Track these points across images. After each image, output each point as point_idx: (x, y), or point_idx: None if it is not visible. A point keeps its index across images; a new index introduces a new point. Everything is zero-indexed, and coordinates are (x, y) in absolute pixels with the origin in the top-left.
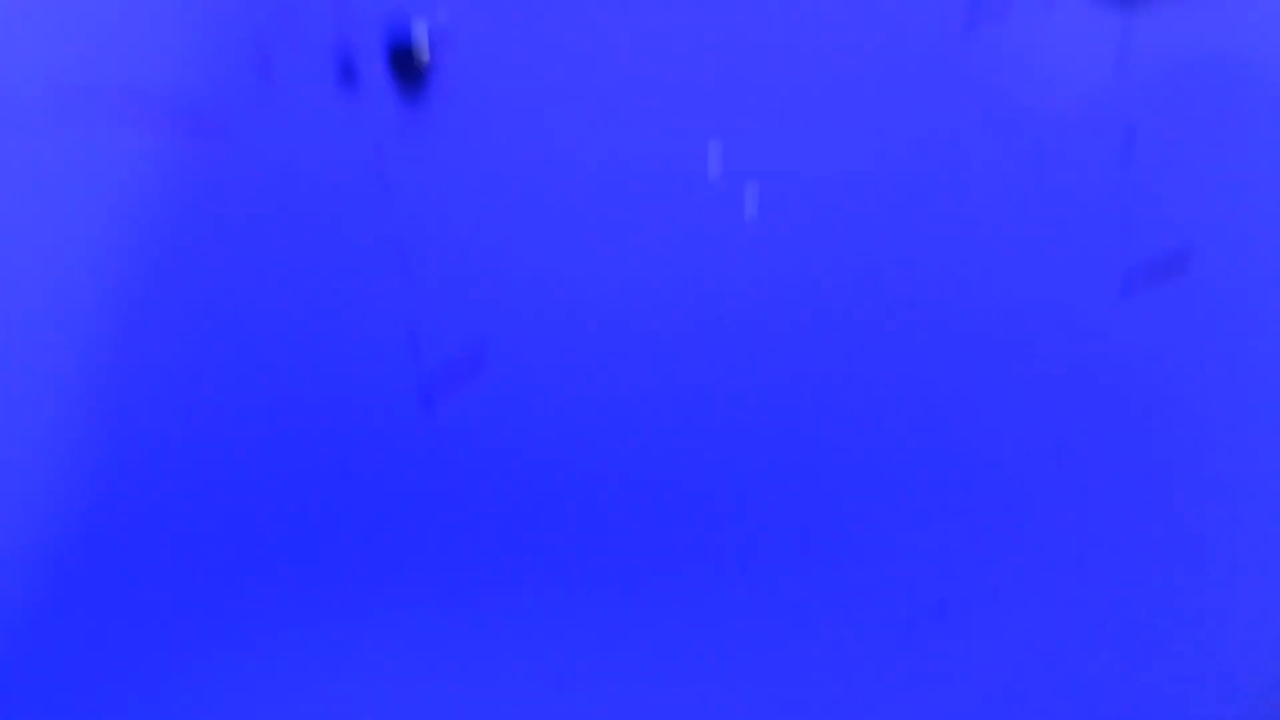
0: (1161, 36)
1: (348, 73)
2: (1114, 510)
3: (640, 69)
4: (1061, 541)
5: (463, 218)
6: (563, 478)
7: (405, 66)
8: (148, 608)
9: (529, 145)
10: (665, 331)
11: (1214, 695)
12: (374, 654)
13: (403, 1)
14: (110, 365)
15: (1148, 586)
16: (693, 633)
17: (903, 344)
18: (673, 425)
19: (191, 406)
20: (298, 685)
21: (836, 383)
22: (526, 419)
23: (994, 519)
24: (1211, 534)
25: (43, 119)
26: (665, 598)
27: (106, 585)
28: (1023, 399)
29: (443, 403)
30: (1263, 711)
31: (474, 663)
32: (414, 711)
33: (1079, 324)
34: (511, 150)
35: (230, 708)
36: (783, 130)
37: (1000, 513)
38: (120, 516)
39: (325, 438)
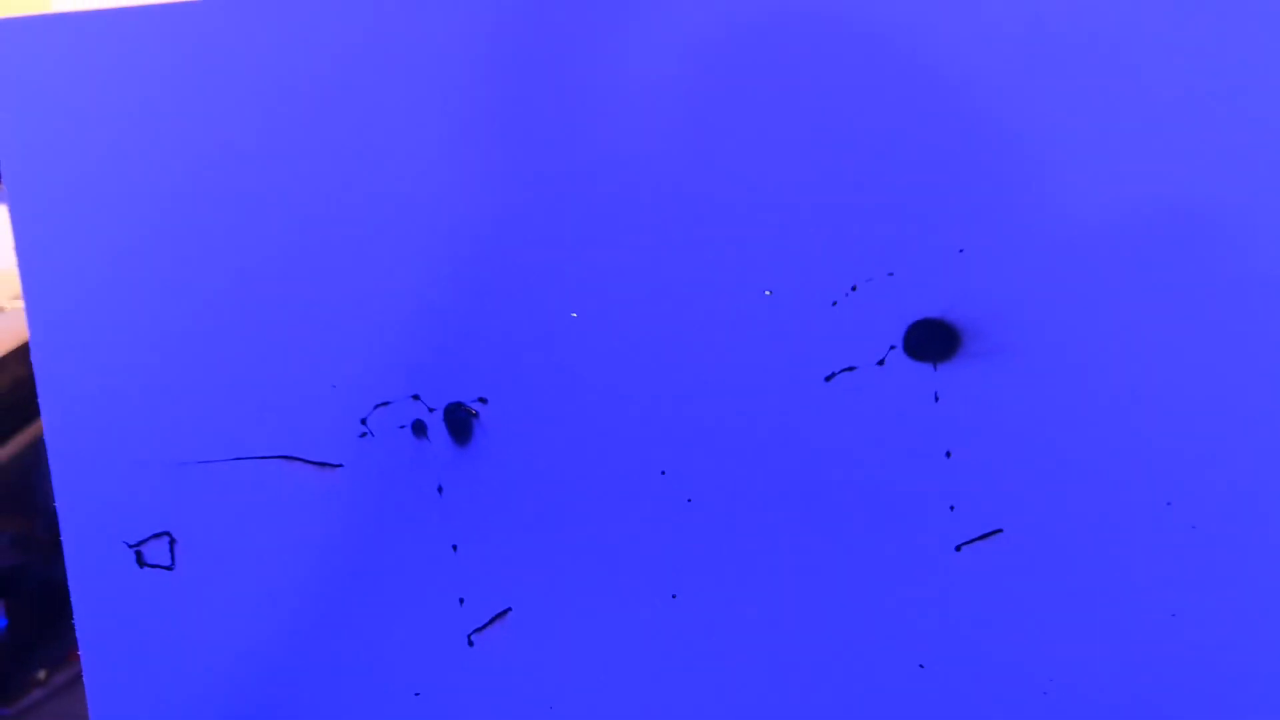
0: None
1: (419, 429)
2: None
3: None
4: None
5: (496, 521)
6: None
7: (457, 426)
8: None
9: (542, 476)
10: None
11: None
12: None
13: (457, 383)
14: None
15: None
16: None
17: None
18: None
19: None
20: None
21: None
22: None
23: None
24: None
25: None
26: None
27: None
28: None
29: (478, 639)
30: None
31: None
32: None
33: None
34: (529, 477)
35: None
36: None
37: None
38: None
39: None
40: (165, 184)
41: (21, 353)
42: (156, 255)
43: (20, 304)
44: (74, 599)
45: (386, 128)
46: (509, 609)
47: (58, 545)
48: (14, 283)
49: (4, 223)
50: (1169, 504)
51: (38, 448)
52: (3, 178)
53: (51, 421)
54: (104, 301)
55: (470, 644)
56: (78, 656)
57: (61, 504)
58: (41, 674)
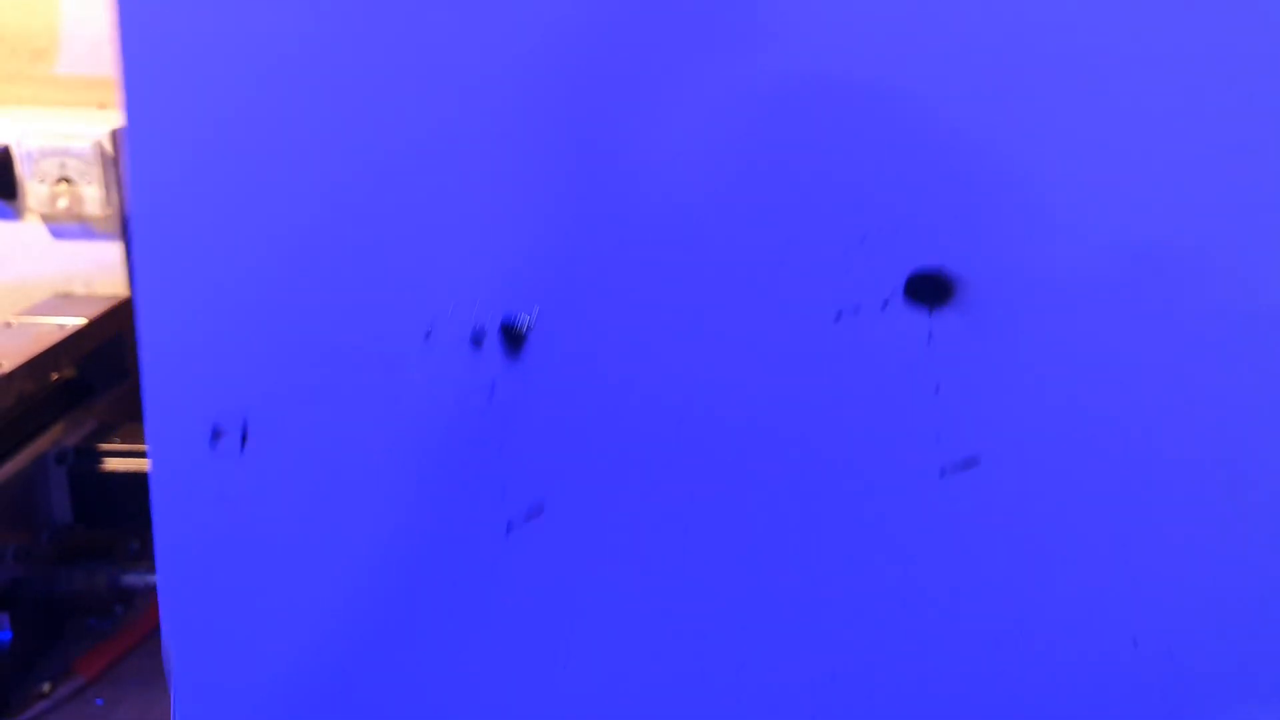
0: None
1: (477, 339)
2: None
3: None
4: None
5: (537, 425)
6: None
7: (511, 338)
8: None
9: (579, 389)
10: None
11: None
12: None
13: (513, 304)
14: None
15: None
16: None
17: None
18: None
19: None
20: None
21: None
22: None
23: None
24: None
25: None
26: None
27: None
28: None
29: (517, 529)
30: None
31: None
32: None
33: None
34: (568, 388)
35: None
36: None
37: None
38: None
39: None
40: (268, 91)
41: (28, 368)
42: (263, 152)
43: (27, 319)
44: (152, 475)
45: (479, 58)
46: (544, 503)
47: (61, 559)
48: (21, 297)
49: (14, 240)
50: (1130, 445)
51: (43, 462)
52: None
53: (146, 300)
54: (204, 194)
55: (508, 532)
56: (81, 669)
57: (148, 383)
58: (45, 687)
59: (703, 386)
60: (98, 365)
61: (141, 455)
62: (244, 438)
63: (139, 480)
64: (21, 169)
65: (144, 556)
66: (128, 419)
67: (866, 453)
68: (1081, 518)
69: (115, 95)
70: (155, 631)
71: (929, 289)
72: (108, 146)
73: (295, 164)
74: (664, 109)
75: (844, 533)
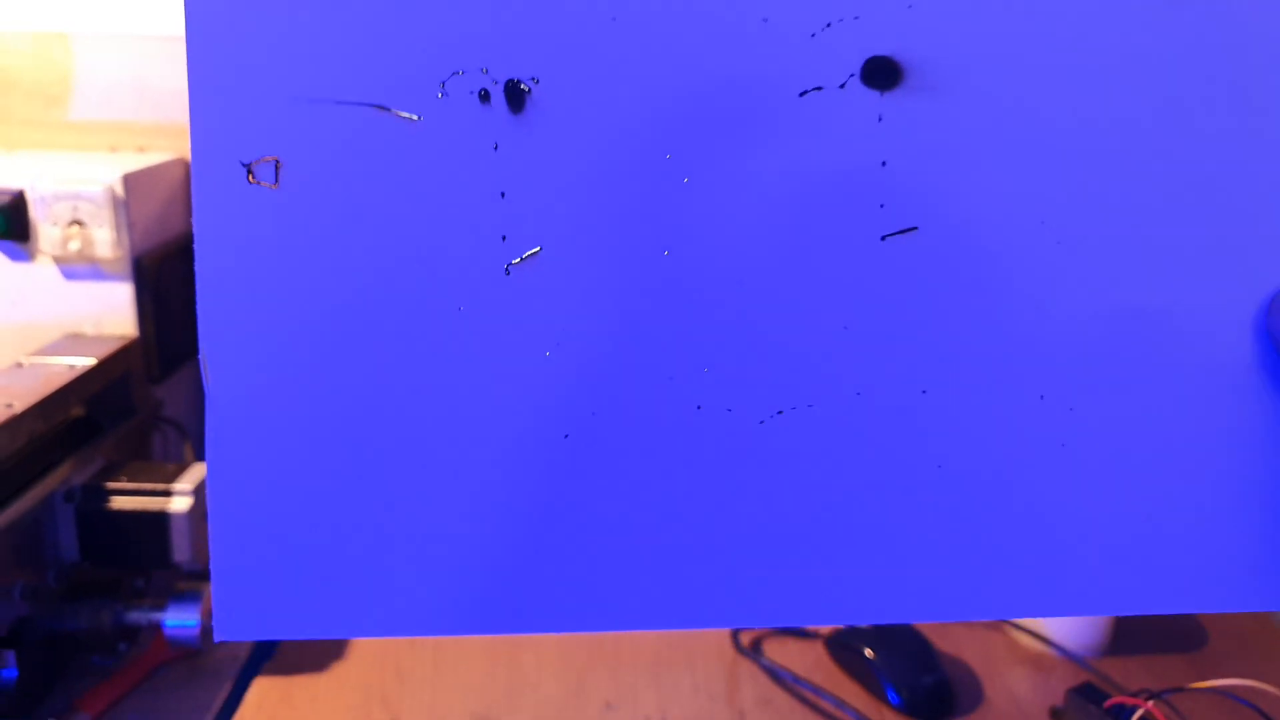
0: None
1: (484, 97)
2: None
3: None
4: None
5: (537, 176)
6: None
7: (514, 96)
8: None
9: (575, 145)
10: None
11: None
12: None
13: (518, 63)
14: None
15: None
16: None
17: None
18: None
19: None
20: None
21: None
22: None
23: None
24: None
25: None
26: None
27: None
28: None
29: (514, 270)
30: None
31: None
32: None
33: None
34: (565, 144)
35: None
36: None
37: None
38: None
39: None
40: None
41: (40, 409)
42: None
43: (39, 360)
44: (195, 208)
45: None
46: (540, 248)
47: (66, 597)
48: (32, 337)
49: (26, 281)
50: (1043, 223)
51: (51, 500)
52: None
53: (197, 49)
54: None
55: (507, 273)
56: (85, 706)
57: (195, 132)
58: None
59: (681, 148)
60: (105, 404)
61: (147, 494)
62: (277, 175)
63: (144, 518)
64: (35, 212)
65: (148, 594)
66: (134, 457)
67: (823, 214)
68: (1010, 278)
69: (126, 139)
70: (158, 669)
71: (882, 73)
72: (119, 190)
73: None
74: None
75: (792, 287)
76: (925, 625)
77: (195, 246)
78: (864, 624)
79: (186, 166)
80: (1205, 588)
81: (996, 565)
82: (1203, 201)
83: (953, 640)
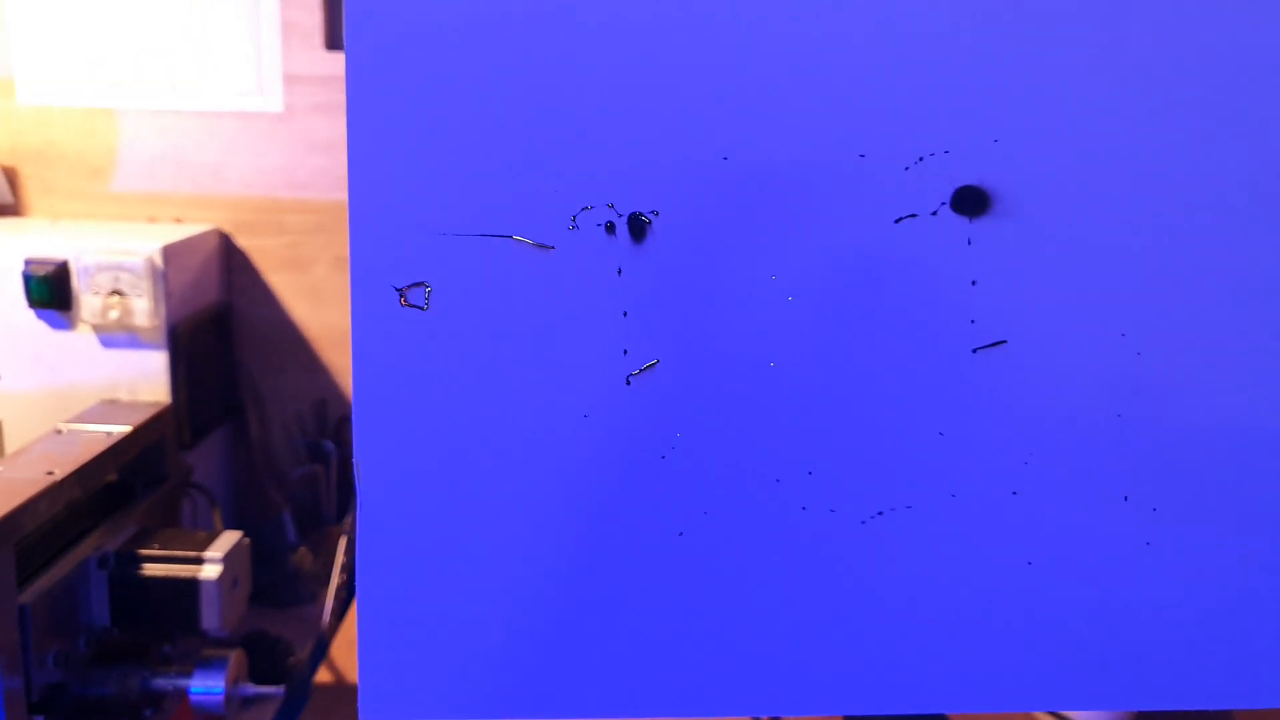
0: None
1: (610, 228)
2: None
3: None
4: None
5: (656, 297)
6: None
7: (637, 229)
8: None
9: (692, 269)
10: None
11: None
12: None
13: (640, 199)
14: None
15: None
16: None
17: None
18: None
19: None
20: None
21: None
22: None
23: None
24: None
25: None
26: None
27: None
28: None
29: (635, 381)
30: None
31: None
32: None
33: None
34: (683, 269)
35: None
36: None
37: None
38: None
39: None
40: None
41: (77, 475)
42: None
43: (77, 426)
44: (354, 327)
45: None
46: (658, 360)
47: (95, 662)
48: (70, 403)
49: (66, 348)
50: (1124, 334)
51: (85, 566)
52: None
53: (358, 188)
54: (421, 106)
55: (628, 384)
56: None
57: (355, 261)
58: None
59: (786, 270)
60: (139, 470)
61: (177, 561)
62: (426, 299)
63: (176, 585)
64: (77, 282)
65: (175, 660)
66: (163, 523)
67: (918, 329)
68: (1090, 389)
69: (164, 210)
70: None
71: (971, 201)
72: (158, 261)
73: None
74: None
75: (891, 397)
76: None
77: (353, 361)
78: (951, 710)
79: (221, 237)
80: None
81: (1084, 658)
82: (1277, 307)
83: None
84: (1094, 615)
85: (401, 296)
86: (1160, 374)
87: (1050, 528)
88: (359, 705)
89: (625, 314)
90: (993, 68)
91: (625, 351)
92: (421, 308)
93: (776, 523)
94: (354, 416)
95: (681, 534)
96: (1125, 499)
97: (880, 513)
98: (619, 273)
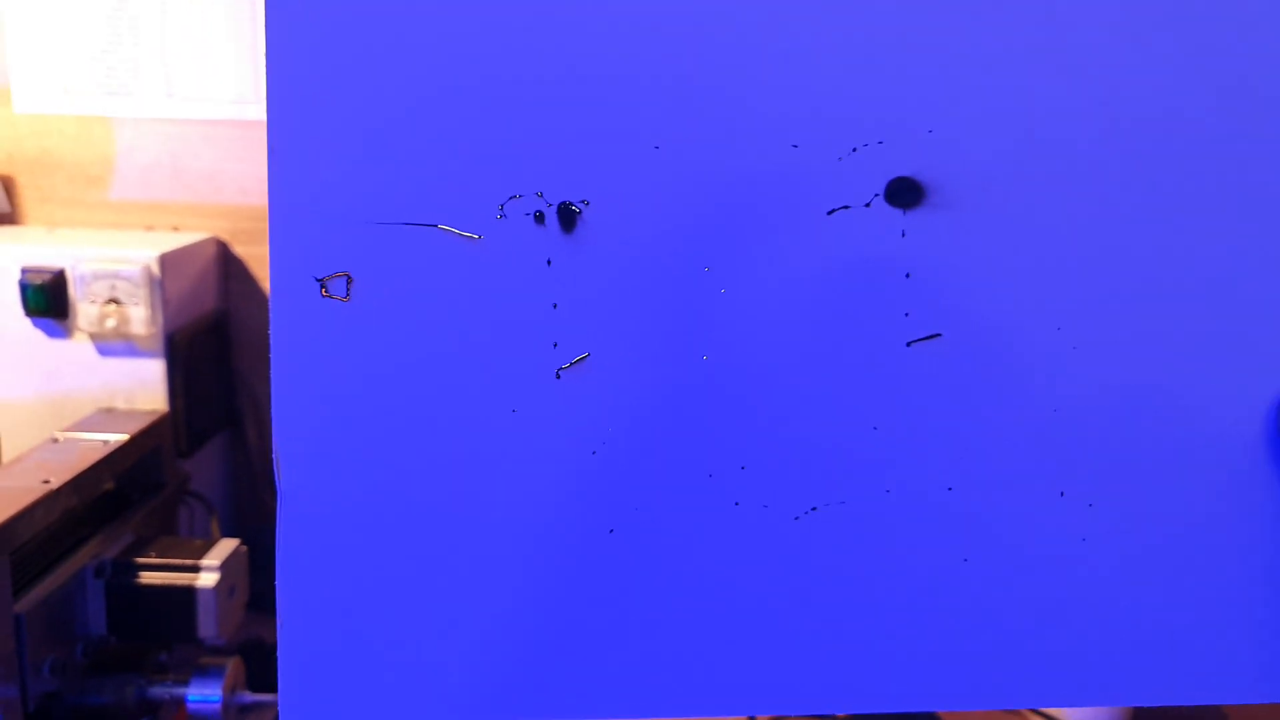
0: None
1: (539, 218)
2: None
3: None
4: None
5: (586, 288)
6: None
7: (566, 219)
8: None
9: (622, 259)
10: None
11: None
12: None
13: (570, 188)
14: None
15: None
16: None
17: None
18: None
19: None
20: None
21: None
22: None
23: None
24: None
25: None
26: None
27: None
28: None
29: (564, 375)
30: None
31: None
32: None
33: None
34: (613, 259)
35: None
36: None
37: None
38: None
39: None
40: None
41: (74, 484)
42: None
43: (73, 435)
44: (272, 319)
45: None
46: (589, 354)
47: (92, 671)
48: (67, 412)
49: (63, 357)
50: (1059, 328)
51: (82, 575)
52: None
53: (278, 175)
54: (343, 80)
55: (558, 377)
56: None
57: (274, 250)
58: None
59: (718, 262)
60: (136, 478)
61: (174, 569)
62: (348, 289)
63: (173, 594)
64: (74, 291)
65: (172, 668)
66: (161, 531)
67: (851, 323)
68: (1028, 380)
69: (161, 218)
70: None
71: (905, 193)
72: (155, 269)
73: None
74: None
75: (825, 391)
76: (947, 712)
77: (272, 354)
78: (889, 710)
79: (218, 245)
80: (1224, 678)
81: (1020, 655)
82: (1212, 302)
83: None
84: (1031, 612)
85: (323, 287)
86: (1096, 368)
87: (986, 523)
88: (279, 712)
89: (555, 306)
90: (928, 57)
91: (555, 344)
92: (343, 298)
93: (709, 519)
94: (273, 410)
95: (612, 530)
96: (1061, 494)
97: (814, 508)
98: (548, 264)
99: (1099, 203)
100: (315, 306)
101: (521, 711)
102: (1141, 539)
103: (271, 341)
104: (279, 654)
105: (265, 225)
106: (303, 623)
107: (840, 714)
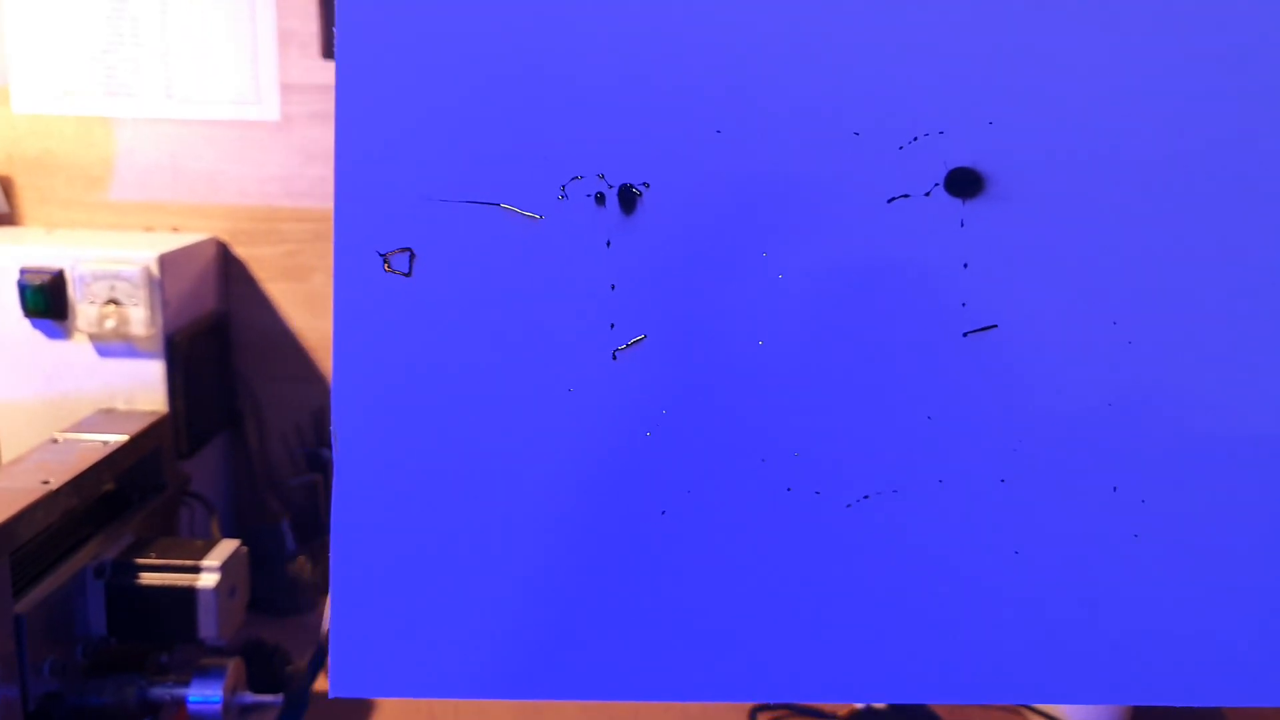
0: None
1: (599, 199)
2: None
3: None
4: None
5: (645, 270)
6: None
7: (627, 200)
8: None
9: (680, 242)
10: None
11: None
12: None
13: (631, 170)
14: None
15: None
16: None
17: None
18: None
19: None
20: None
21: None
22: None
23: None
24: None
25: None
26: None
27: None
28: None
29: (621, 355)
30: None
31: None
32: None
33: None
34: (671, 242)
35: None
36: None
37: None
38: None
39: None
40: None
41: (74, 485)
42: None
43: (73, 436)
44: (335, 292)
45: None
46: (645, 335)
47: (93, 671)
48: (67, 413)
49: (62, 358)
50: (1115, 322)
51: (81, 576)
52: None
53: (345, 150)
54: (412, 66)
55: (614, 358)
56: None
57: (339, 225)
58: None
59: (777, 247)
60: (136, 479)
61: (174, 570)
62: (410, 265)
63: (173, 594)
64: (73, 292)
65: (172, 669)
66: (161, 532)
67: (908, 311)
68: (1084, 375)
69: (161, 219)
70: None
71: (964, 183)
72: (154, 270)
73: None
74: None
75: (880, 379)
76: (944, 707)
77: (334, 326)
78: (932, 702)
79: (218, 246)
80: (1262, 681)
81: (1068, 650)
82: (1272, 298)
83: None
84: (1080, 607)
85: (385, 262)
86: (1152, 363)
87: (1038, 516)
88: (329, 678)
89: (613, 287)
90: (990, 49)
91: (612, 325)
92: (405, 274)
93: (761, 504)
94: (334, 381)
95: (664, 512)
96: (1114, 490)
97: (866, 496)
98: (608, 245)
99: (1158, 196)
100: (378, 281)
101: (564, 689)
102: (1194, 537)
103: (334, 314)
104: (330, 622)
105: (264, 226)
106: (355, 594)
107: (880, 704)
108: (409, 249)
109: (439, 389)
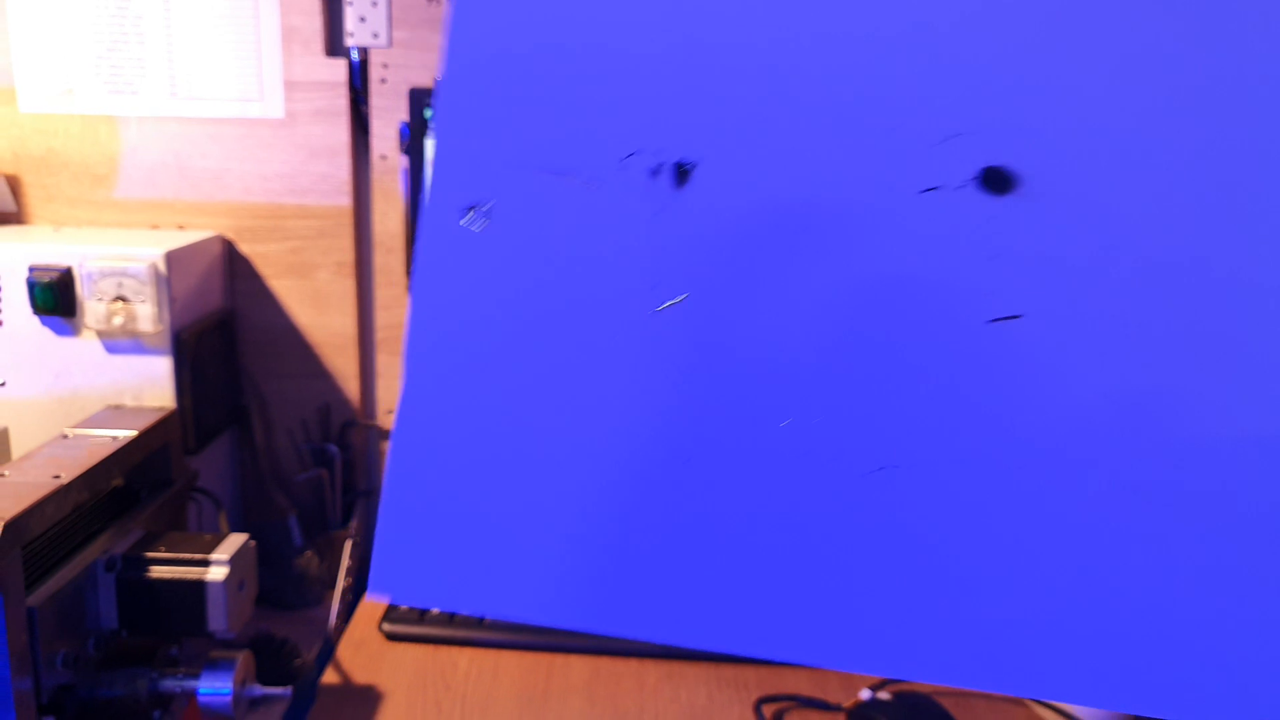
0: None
1: (655, 173)
2: None
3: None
4: None
5: (692, 237)
6: None
7: (680, 175)
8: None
9: (728, 213)
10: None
11: None
12: None
13: (685, 148)
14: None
15: None
16: None
17: None
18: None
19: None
20: None
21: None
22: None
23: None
24: None
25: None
26: None
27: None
28: None
29: (664, 312)
30: None
31: None
32: None
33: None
34: (720, 212)
35: None
36: None
37: None
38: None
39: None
40: None
41: (84, 479)
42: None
43: (83, 431)
44: (419, 239)
45: None
46: (687, 295)
47: (104, 665)
48: (76, 409)
49: (71, 355)
50: (1138, 320)
51: (92, 570)
52: None
53: (444, 114)
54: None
55: (657, 313)
56: None
57: (436, 176)
58: None
59: (814, 227)
60: (144, 474)
61: (183, 563)
62: (487, 216)
63: (183, 588)
64: (81, 289)
65: (182, 662)
66: (169, 527)
67: (937, 295)
68: (1108, 370)
69: (167, 216)
70: None
71: (996, 180)
72: (161, 267)
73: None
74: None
75: (911, 356)
76: (949, 699)
77: (415, 266)
78: (935, 683)
79: (224, 243)
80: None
81: (1077, 651)
82: None
83: (975, 715)
84: (1094, 607)
85: (465, 216)
86: (1175, 366)
87: (1053, 509)
88: (369, 578)
89: (661, 253)
90: (1028, 49)
91: (657, 287)
92: (479, 226)
93: (782, 465)
94: (410, 321)
95: (690, 461)
96: (1141, 486)
97: (882, 468)
98: (658, 213)
99: (1189, 196)
100: (455, 232)
101: (603, 621)
102: (1221, 539)
103: (416, 255)
104: (377, 530)
105: (269, 223)
106: (406, 495)
107: (875, 675)
108: (487, 205)
109: (499, 328)
